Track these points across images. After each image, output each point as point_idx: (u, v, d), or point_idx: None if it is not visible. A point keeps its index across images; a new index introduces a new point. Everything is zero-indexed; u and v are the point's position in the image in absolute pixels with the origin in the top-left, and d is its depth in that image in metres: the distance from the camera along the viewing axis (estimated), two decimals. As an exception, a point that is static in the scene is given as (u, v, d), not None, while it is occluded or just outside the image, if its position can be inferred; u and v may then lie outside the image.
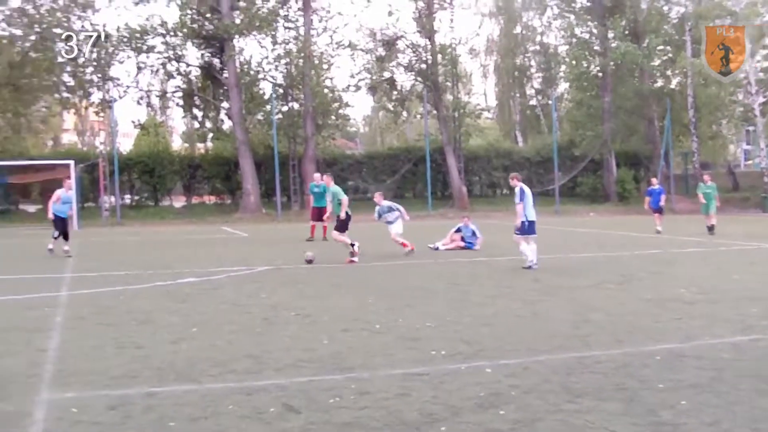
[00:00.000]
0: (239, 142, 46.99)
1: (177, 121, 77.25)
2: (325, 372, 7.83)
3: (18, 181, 45.58)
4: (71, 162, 39.44)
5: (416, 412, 6.45)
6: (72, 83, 48.46)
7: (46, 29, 45.01)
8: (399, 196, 51.60)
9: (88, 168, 45.87)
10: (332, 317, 11.08)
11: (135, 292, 14.33)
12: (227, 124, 51.79)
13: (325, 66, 50.68)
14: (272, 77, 50.15)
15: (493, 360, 8.26)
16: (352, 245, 19.15)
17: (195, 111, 53.68)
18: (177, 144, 74.77)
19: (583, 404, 6.61)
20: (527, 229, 17.27)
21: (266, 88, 50.55)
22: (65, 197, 21.51)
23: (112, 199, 45.92)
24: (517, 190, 17.39)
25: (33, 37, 45.67)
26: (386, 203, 21.37)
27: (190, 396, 7.02)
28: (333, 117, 51.01)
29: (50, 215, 21.56)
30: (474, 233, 22.33)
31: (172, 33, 47.56)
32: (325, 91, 49.87)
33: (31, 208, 45.81)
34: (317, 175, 28.44)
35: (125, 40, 46.73)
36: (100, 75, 47.93)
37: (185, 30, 47.24)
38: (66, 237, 21.46)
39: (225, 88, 48.70)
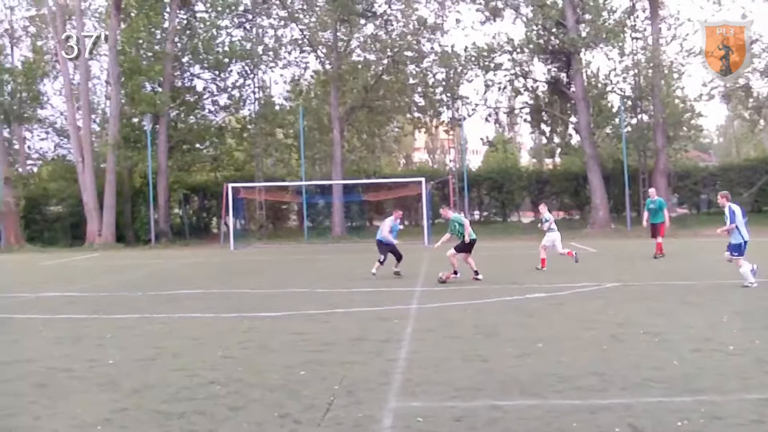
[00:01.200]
0: (588, 156, 46.60)
1: (525, 136, 78.23)
2: (674, 393, 7.53)
3: (372, 199, 48.16)
4: (422, 179, 40.88)
5: (772, 440, 6.05)
6: (423, 103, 50.60)
7: (398, 53, 47.36)
8: (756, 210, 48.77)
9: (439, 185, 47.45)
10: (683, 336, 10.65)
11: (481, 306, 14.60)
12: (575, 139, 51.64)
13: (675, 75, 49.08)
14: (620, 89, 49.37)
15: None
16: (455, 273, 19.42)
17: (543, 126, 54.08)
18: (525, 160, 75.61)
19: None
20: (744, 249, 16.20)
21: (614, 101, 50.02)
22: (394, 225, 22.23)
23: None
24: (726, 210, 16.38)
25: (385, 61, 48.25)
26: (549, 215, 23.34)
27: (533, 411, 7.02)
28: (685, 128, 49.14)
29: (378, 238, 22.29)
30: None
31: (518, 50, 48.21)
32: (676, 101, 48.30)
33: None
34: (652, 191, 27.81)
35: (473, 59, 47.97)
36: (449, 94, 49.61)
37: (531, 46, 47.71)
38: (399, 259, 21.86)
39: (572, 102, 48.58)
